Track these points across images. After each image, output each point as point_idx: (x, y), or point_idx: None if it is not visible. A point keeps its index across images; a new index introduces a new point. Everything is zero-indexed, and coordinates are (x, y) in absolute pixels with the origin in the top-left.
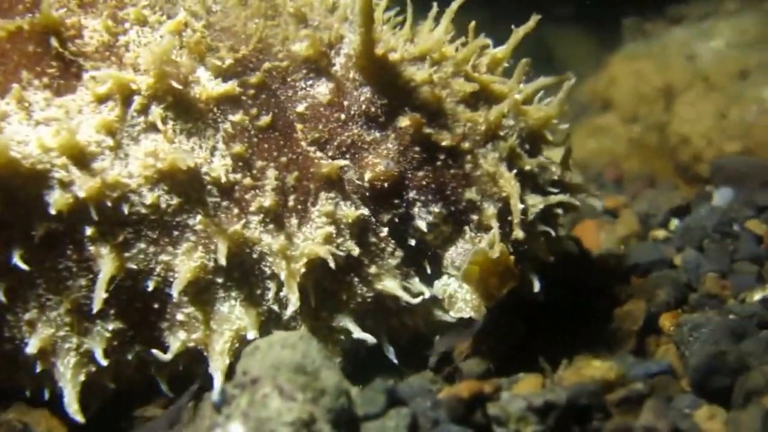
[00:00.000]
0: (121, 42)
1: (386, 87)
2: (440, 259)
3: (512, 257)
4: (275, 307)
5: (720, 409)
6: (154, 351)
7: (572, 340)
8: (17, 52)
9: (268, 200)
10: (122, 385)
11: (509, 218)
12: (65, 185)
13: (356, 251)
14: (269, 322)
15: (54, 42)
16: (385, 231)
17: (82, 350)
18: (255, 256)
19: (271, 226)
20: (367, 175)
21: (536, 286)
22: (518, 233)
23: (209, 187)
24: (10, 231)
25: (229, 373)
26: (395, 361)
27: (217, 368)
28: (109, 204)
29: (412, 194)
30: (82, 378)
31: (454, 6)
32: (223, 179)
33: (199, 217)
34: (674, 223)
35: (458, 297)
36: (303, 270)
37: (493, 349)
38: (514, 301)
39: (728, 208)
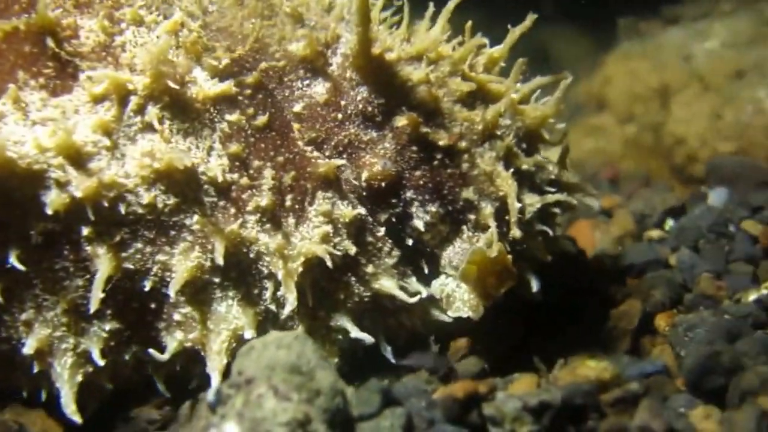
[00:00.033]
0: (117, 42)
1: (383, 86)
2: (437, 258)
3: (510, 256)
4: (272, 307)
5: (715, 408)
6: (151, 351)
7: (567, 340)
8: (13, 53)
9: (265, 200)
10: (119, 386)
11: (506, 218)
12: (62, 185)
13: (353, 251)
14: (266, 322)
15: (50, 42)
16: (382, 230)
17: (79, 350)
18: (252, 255)
19: (268, 226)
20: (364, 175)
21: (534, 286)
22: (515, 232)
23: (206, 186)
24: (7, 231)
25: (226, 373)
26: (393, 360)
27: (214, 368)
28: (106, 204)
29: (409, 194)
30: (79, 378)
31: (450, 5)
32: (220, 179)
33: (196, 217)
34: (669, 223)
35: (456, 296)
36: (300, 269)
37: (491, 349)
38: (512, 300)
39: (723, 209)
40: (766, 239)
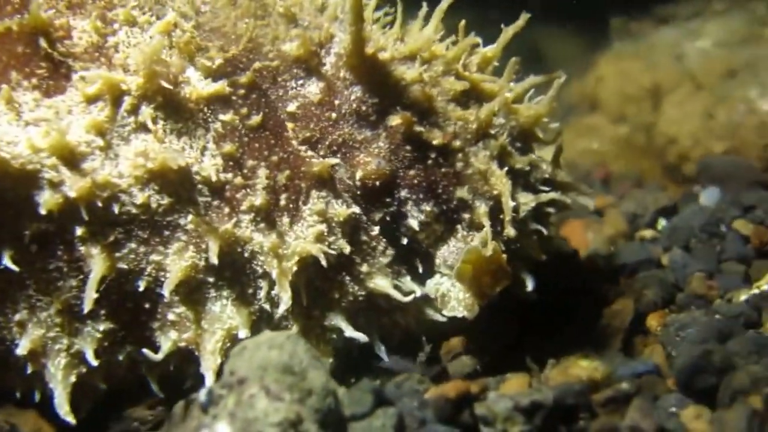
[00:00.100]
0: (110, 43)
1: (377, 86)
2: (432, 257)
3: (505, 255)
4: (267, 306)
5: (706, 408)
6: (145, 351)
7: (559, 339)
8: (6, 53)
9: (259, 199)
10: (113, 386)
11: (501, 217)
12: (55, 185)
13: (348, 250)
14: (261, 321)
15: (43, 43)
16: (376, 230)
17: (72, 351)
18: (246, 255)
19: (262, 225)
20: (359, 174)
21: (529, 285)
22: (510, 231)
23: (200, 186)
24: (0, 232)
25: (219, 373)
26: (386, 359)
27: (208, 367)
28: (100, 204)
29: (403, 193)
30: (72, 379)
31: (443, 5)
32: (214, 178)
33: (190, 217)
34: (661, 223)
35: (451, 296)
36: (295, 268)
37: (486, 348)
38: (506, 300)
39: (715, 208)
40: (758, 239)
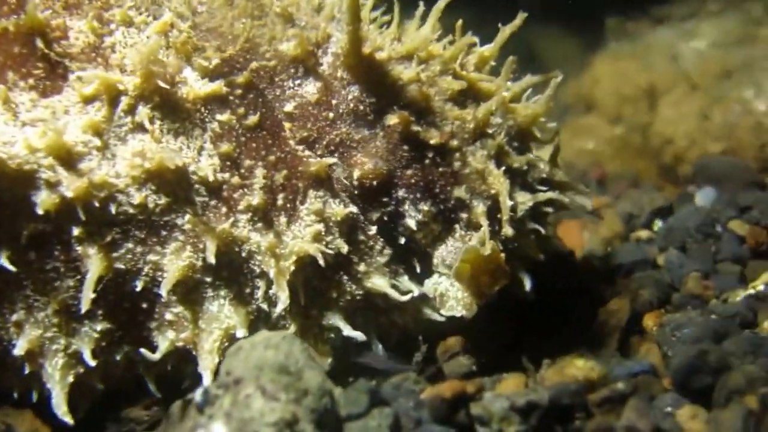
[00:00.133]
0: (107, 43)
1: (374, 85)
2: (430, 257)
3: (503, 255)
4: (264, 306)
5: (701, 408)
6: (143, 351)
7: (555, 339)
8: (3, 54)
9: (256, 199)
10: (111, 386)
11: (498, 216)
12: (52, 186)
13: (345, 249)
14: (258, 321)
15: (40, 43)
16: (373, 229)
17: (70, 351)
18: (244, 254)
19: (259, 225)
20: (356, 174)
21: (527, 285)
22: (507, 230)
23: (197, 186)
24: None
25: (216, 373)
26: (382, 358)
27: (206, 367)
28: (97, 204)
29: (401, 192)
30: (70, 379)
31: (440, 4)
32: (211, 178)
33: (187, 217)
34: (657, 223)
35: (450, 295)
36: (292, 268)
37: (484, 348)
38: (503, 299)
39: (711, 209)
40: (753, 239)
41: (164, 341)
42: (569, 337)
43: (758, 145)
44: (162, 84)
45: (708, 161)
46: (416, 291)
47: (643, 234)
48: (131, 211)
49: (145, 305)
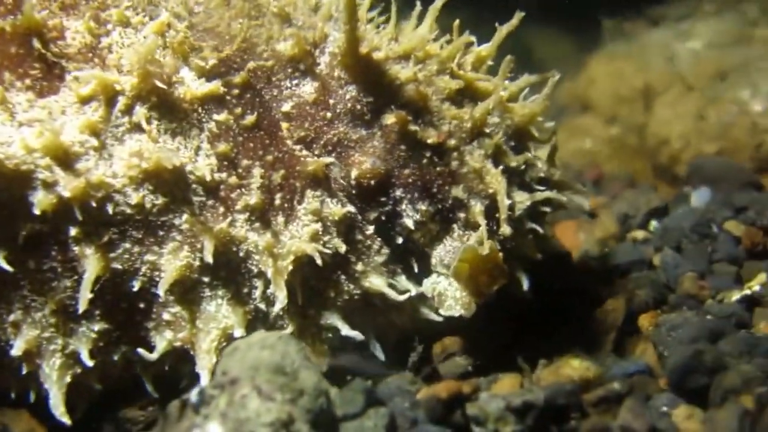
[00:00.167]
0: (104, 43)
1: (371, 85)
2: (428, 257)
3: (501, 254)
4: (262, 306)
5: (697, 408)
6: (140, 350)
7: (551, 340)
8: None
9: (253, 198)
10: (109, 386)
11: (496, 215)
12: (49, 186)
13: (343, 249)
14: (256, 321)
15: (36, 44)
16: (371, 229)
17: (67, 351)
18: (241, 254)
19: (257, 224)
20: (354, 173)
21: (525, 285)
22: (505, 229)
23: (194, 186)
24: None
25: (215, 373)
26: (382, 358)
27: (203, 367)
28: (94, 204)
29: (398, 192)
30: (68, 379)
31: (437, 4)
32: (208, 178)
33: (184, 217)
34: (653, 224)
35: (448, 295)
36: (290, 268)
37: (482, 348)
38: (502, 299)
39: (706, 209)
40: (749, 240)
41: (162, 341)
42: (565, 337)
43: (754, 145)
44: (159, 84)
45: (703, 162)
46: (414, 291)
47: (639, 234)
48: (128, 211)
49: (142, 305)
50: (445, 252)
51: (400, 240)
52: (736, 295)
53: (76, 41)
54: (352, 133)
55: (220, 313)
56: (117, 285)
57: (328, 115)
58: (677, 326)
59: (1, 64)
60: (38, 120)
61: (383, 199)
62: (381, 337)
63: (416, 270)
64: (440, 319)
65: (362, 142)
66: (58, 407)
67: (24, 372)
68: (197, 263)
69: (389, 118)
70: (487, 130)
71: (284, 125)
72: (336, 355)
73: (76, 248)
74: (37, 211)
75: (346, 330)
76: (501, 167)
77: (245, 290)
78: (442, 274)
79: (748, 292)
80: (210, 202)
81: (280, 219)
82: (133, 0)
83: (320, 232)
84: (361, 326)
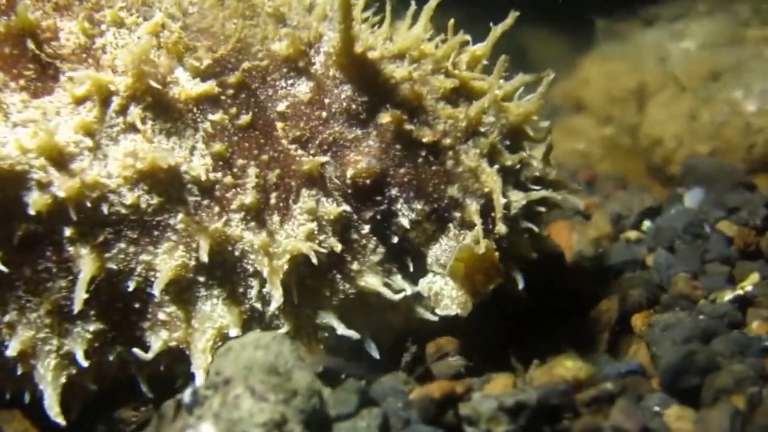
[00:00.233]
0: (98, 44)
1: (366, 84)
2: (423, 256)
3: (497, 253)
4: (258, 305)
5: (689, 408)
6: (136, 350)
7: (544, 340)
8: None
9: (249, 198)
10: (104, 386)
11: (492, 215)
12: (44, 186)
13: (338, 248)
14: (252, 320)
15: (30, 44)
16: (367, 228)
17: (62, 352)
18: (237, 253)
19: (252, 224)
20: (349, 173)
21: (520, 284)
22: (501, 228)
23: (189, 186)
24: None
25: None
26: (377, 357)
27: (199, 366)
28: (89, 204)
29: (394, 191)
30: (63, 380)
31: (432, 3)
32: (203, 178)
33: (180, 216)
34: (646, 224)
35: (444, 294)
36: (286, 267)
37: (477, 347)
38: (497, 299)
39: (699, 210)
40: (742, 240)
41: (157, 341)
42: (558, 337)
43: (746, 145)
44: (154, 84)
45: (696, 162)
46: (409, 290)
47: (632, 234)
48: (123, 211)
49: (137, 305)
50: (440, 251)
51: (395, 239)
52: (728, 296)
53: (70, 42)
54: (348, 133)
55: (215, 312)
56: (112, 285)
57: (324, 114)
58: (670, 326)
59: None
60: (33, 120)
61: (379, 198)
62: (376, 337)
63: (412, 269)
64: (436, 318)
65: (357, 142)
66: (53, 408)
67: (19, 373)
68: (193, 263)
69: (384, 118)
70: (483, 129)
71: (279, 125)
72: (328, 355)
73: (71, 248)
74: (31, 212)
75: (341, 329)
76: (496, 166)
77: (241, 290)
78: (438, 274)
79: (740, 292)
80: (205, 202)
81: (276, 218)
82: (127, 1)
83: (316, 232)
84: (357, 325)
